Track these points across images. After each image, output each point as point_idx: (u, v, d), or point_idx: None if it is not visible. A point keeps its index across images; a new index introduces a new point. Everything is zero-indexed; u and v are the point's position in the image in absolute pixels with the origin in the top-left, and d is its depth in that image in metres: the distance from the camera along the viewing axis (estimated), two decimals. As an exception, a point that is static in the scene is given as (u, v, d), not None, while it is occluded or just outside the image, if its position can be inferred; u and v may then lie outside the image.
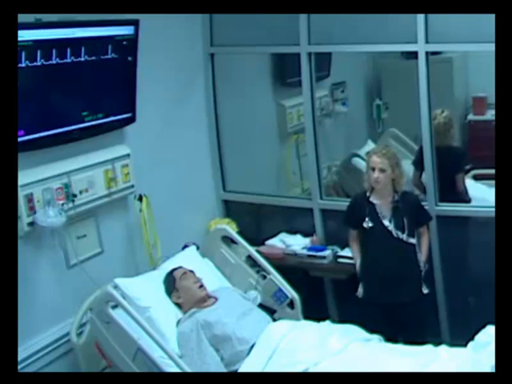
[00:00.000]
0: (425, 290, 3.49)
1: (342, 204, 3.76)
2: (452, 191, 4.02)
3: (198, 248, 3.81)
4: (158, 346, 2.94)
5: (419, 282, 3.47)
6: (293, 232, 4.20)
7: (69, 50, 3.04)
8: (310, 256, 3.99)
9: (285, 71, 4.55)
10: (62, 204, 3.08)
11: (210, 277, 3.57)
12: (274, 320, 3.42)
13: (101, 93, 3.30)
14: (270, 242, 4.17)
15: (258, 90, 4.62)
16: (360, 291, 3.56)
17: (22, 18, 2.56)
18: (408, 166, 4.47)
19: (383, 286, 3.45)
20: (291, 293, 3.56)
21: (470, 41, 3.44)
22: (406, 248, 3.45)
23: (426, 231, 3.59)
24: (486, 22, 3.11)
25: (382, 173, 3.42)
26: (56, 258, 3.18)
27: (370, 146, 5.01)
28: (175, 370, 2.92)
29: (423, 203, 3.64)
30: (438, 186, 3.71)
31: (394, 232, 3.42)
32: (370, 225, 3.46)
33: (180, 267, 3.43)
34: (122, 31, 3.31)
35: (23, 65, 2.83)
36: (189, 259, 3.61)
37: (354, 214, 3.56)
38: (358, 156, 4.78)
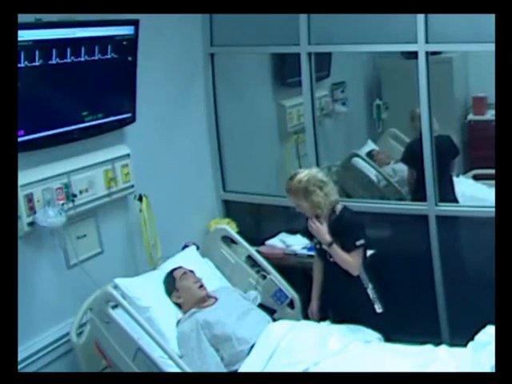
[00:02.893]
0: (378, 310, 3.25)
1: (342, 204, 3.75)
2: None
3: (198, 248, 3.81)
4: (158, 346, 2.94)
5: (368, 302, 3.25)
6: (293, 232, 4.20)
7: (69, 50, 3.04)
8: (309, 256, 3.98)
9: (285, 71, 4.55)
10: (62, 204, 3.08)
11: (210, 277, 3.57)
12: (274, 320, 3.42)
13: (101, 93, 3.30)
14: (270, 242, 4.16)
15: (258, 90, 4.62)
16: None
17: (22, 18, 2.57)
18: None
19: (334, 310, 3.41)
20: (291, 293, 3.57)
21: (470, 41, 3.43)
22: (341, 271, 3.22)
23: (352, 257, 3.19)
24: (486, 22, 3.11)
25: (299, 207, 3.27)
26: (56, 258, 3.18)
27: (370, 146, 5.03)
28: (175, 370, 2.92)
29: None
30: (438, 185, 3.71)
31: (328, 255, 3.26)
32: (317, 245, 3.36)
33: (180, 267, 3.43)
34: (122, 31, 3.31)
35: (23, 65, 2.83)
36: (189, 259, 3.61)
37: (312, 239, 3.45)
38: (358, 156, 4.79)
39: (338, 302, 3.36)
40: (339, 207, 3.29)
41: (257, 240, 4.06)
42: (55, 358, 3.17)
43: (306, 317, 3.48)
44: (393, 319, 3.30)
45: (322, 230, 3.22)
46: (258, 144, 4.53)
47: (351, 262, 3.20)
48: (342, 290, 3.29)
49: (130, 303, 3.08)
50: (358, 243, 3.19)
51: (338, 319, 3.33)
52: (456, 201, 4.15)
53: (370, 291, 3.26)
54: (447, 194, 4.09)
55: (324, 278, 3.43)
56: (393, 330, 3.31)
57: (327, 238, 3.20)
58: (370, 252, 3.26)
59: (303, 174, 3.27)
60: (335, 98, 4.95)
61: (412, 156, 3.76)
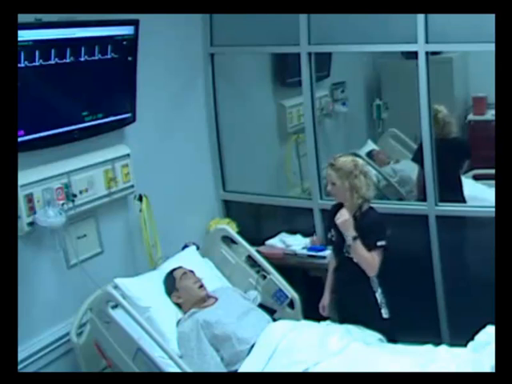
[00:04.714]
0: (385, 315, 3.22)
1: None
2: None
3: (198, 248, 3.81)
4: (158, 346, 2.94)
5: (375, 306, 3.22)
6: (293, 232, 4.20)
7: (69, 50, 3.04)
8: (310, 256, 3.99)
9: (285, 71, 4.55)
10: (62, 204, 3.08)
11: (210, 277, 3.57)
12: (274, 320, 3.42)
13: (101, 93, 3.30)
14: (269, 242, 4.16)
15: (258, 90, 4.62)
16: None
17: (22, 18, 2.57)
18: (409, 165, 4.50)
19: (338, 304, 3.42)
20: (291, 293, 3.57)
21: (470, 41, 3.44)
22: (356, 268, 3.20)
23: (372, 256, 3.16)
24: (486, 22, 3.10)
25: (333, 186, 3.26)
26: (56, 258, 3.18)
27: (370, 146, 5.03)
28: (175, 370, 2.92)
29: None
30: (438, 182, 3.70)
31: (345, 249, 3.23)
32: (333, 238, 3.34)
33: (180, 267, 3.43)
34: (122, 31, 3.31)
35: (23, 65, 2.83)
36: (189, 259, 3.61)
37: (329, 224, 3.41)
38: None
39: (345, 300, 3.35)
40: (366, 206, 3.27)
41: (257, 240, 4.06)
42: (55, 358, 3.18)
43: (306, 317, 3.48)
44: (393, 319, 3.30)
45: (350, 222, 3.17)
46: (258, 144, 4.53)
47: (371, 260, 3.17)
48: (351, 288, 3.28)
49: (130, 303, 3.08)
50: (379, 243, 3.16)
51: (344, 318, 3.33)
52: (464, 201, 4.15)
53: (379, 296, 3.24)
54: (456, 194, 4.09)
55: (335, 273, 3.43)
56: (393, 330, 3.31)
57: (352, 231, 3.16)
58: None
59: (350, 158, 3.29)
60: (335, 97, 4.95)
61: None
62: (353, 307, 3.30)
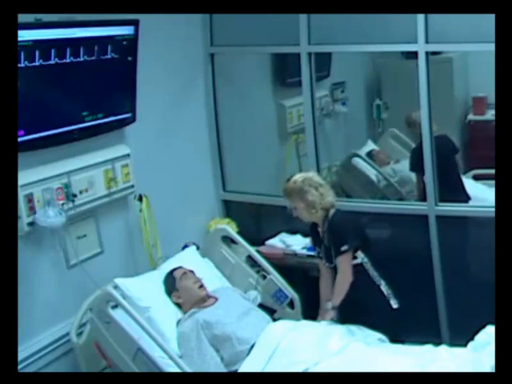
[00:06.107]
0: (395, 305, 3.27)
1: (342, 204, 3.75)
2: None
3: (198, 248, 3.81)
4: (158, 346, 2.94)
5: (383, 299, 3.27)
6: (293, 232, 4.20)
7: (69, 50, 3.04)
8: (309, 256, 3.99)
9: (285, 71, 4.56)
10: (62, 204, 3.07)
11: (210, 277, 3.58)
12: (274, 320, 3.42)
13: (101, 93, 3.30)
14: (269, 242, 4.17)
15: (258, 90, 4.62)
16: None
17: (22, 17, 2.57)
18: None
19: (343, 312, 3.38)
20: (291, 293, 3.57)
21: (470, 41, 3.44)
22: (353, 270, 3.26)
23: (340, 264, 3.23)
24: (486, 22, 3.10)
25: (295, 210, 3.33)
26: (56, 258, 3.17)
27: (370, 146, 5.03)
28: (175, 370, 2.92)
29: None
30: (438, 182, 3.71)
31: (325, 261, 3.30)
32: (320, 254, 3.39)
33: (180, 267, 3.43)
34: (122, 31, 3.31)
35: (23, 65, 2.83)
36: (189, 259, 3.61)
37: (314, 242, 3.47)
38: (358, 156, 4.79)
39: (348, 305, 3.33)
40: (332, 211, 3.29)
41: (257, 240, 4.06)
42: (55, 358, 3.17)
43: (306, 317, 3.48)
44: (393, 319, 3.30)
45: (327, 313, 3.29)
46: (257, 144, 4.53)
47: (341, 279, 3.24)
48: (355, 292, 3.27)
49: (130, 303, 3.08)
50: (342, 249, 3.21)
51: (348, 318, 3.31)
52: (468, 198, 4.13)
53: (384, 288, 3.27)
54: (458, 193, 4.09)
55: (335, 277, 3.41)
56: (403, 320, 3.31)
57: (331, 313, 3.26)
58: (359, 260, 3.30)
59: (298, 176, 3.35)
60: (335, 98, 4.95)
61: (419, 161, 3.75)
62: (360, 306, 3.30)
